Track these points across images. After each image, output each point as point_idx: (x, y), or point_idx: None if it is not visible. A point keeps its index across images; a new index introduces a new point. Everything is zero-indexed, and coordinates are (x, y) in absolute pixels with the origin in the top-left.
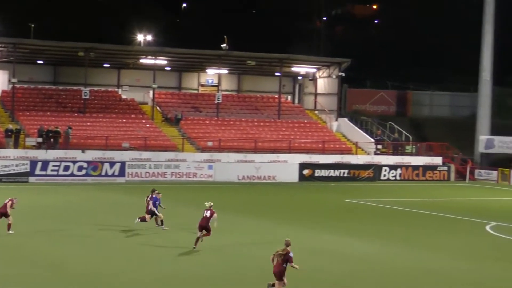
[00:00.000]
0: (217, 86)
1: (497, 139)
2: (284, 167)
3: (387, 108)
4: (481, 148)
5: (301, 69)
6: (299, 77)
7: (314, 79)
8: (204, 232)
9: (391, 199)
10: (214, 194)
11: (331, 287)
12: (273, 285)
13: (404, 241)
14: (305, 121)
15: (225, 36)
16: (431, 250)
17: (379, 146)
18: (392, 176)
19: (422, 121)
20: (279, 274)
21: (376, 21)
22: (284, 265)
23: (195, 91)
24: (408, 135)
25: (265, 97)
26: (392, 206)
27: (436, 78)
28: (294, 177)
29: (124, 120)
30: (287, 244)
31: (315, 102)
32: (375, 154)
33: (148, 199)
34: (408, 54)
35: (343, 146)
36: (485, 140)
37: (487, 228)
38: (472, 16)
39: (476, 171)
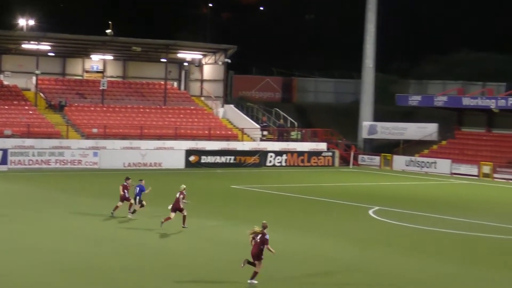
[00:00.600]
0: (102, 72)
1: (380, 125)
2: (170, 154)
3: (272, 95)
4: (364, 134)
5: (187, 55)
6: (185, 64)
7: (200, 66)
8: (180, 213)
9: (277, 185)
10: (99, 182)
11: (210, 274)
12: (250, 263)
13: (288, 227)
14: (191, 107)
15: (110, 22)
16: (315, 235)
17: (265, 133)
18: (278, 162)
19: (307, 108)
20: (258, 255)
21: (261, 8)
22: (262, 246)
23: (80, 77)
24: (294, 121)
25: (151, 83)
26: (277, 192)
27: (321, 65)
28: (180, 163)
29: (6, 107)
30: (264, 227)
31: (201, 88)
32: (261, 140)
33: (128, 187)
34: (293, 41)
35: (229, 132)
36: (368, 126)
37: (370, 212)
38: (355, 4)
39: (360, 156)
